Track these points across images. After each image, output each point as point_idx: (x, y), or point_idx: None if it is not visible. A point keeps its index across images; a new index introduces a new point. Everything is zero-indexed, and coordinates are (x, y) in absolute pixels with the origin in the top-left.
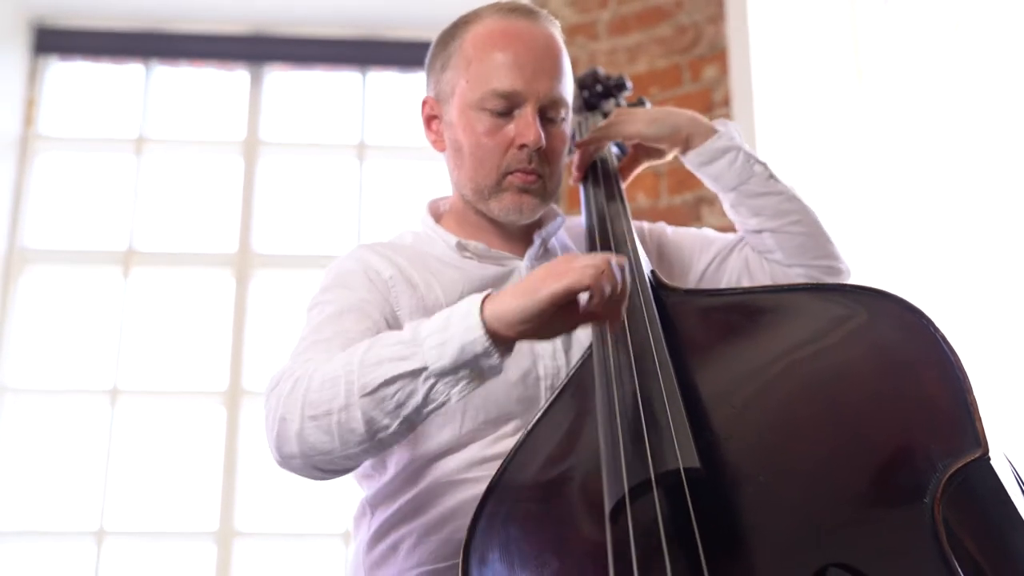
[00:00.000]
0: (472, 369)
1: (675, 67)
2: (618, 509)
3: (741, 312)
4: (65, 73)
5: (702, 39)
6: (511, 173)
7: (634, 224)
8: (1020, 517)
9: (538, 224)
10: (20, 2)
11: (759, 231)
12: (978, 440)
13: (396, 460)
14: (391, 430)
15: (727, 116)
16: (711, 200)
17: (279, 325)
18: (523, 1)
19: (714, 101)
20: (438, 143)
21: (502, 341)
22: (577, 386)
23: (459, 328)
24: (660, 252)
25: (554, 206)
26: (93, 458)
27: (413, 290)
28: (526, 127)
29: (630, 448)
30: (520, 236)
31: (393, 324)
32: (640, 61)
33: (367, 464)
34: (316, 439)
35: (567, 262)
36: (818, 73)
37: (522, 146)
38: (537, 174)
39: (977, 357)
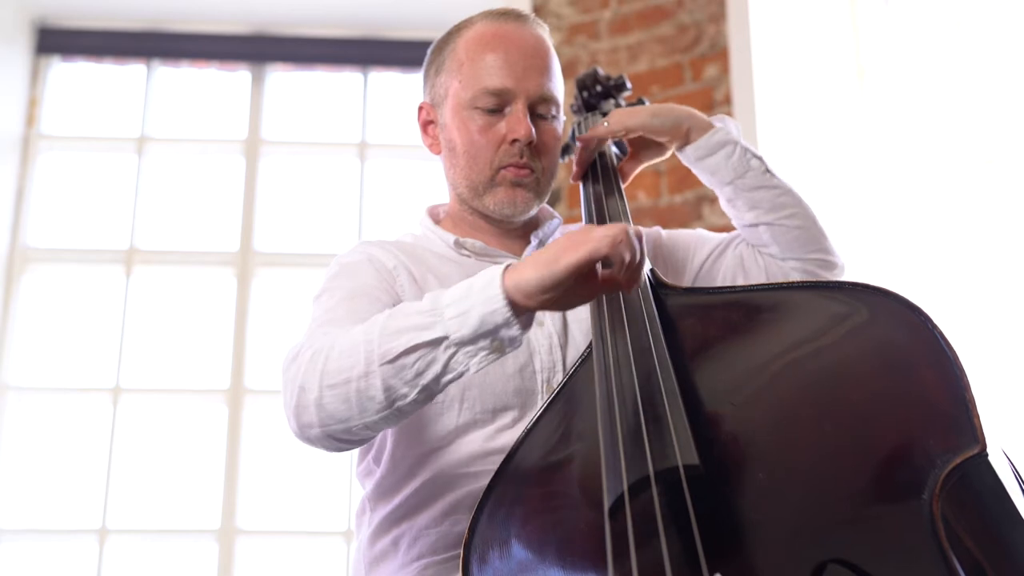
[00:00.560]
0: (493, 339)
1: (676, 66)
2: (617, 506)
3: (740, 310)
4: (67, 73)
5: (703, 38)
6: (504, 168)
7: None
8: (1019, 514)
9: (535, 224)
10: (22, 2)
11: (755, 225)
12: (976, 437)
13: (395, 456)
14: (410, 398)
15: (728, 115)
16: (712, 198)
17: (281, 324)
18: (514, 7)
19: (715, 100)
20: (434, 147)
21: (522, 311)
22: (577, 384)
23: (480, 298)
24: (656, 254)
25: (549, 208)
26: (95, 456)
27: (414, 283)
28: (517, 122)
29: (629, 445)
30: (517, 236)
31: None
32: (641, 60)
33: (368, 460)
34: (334, 407)
35: (585, 232)
36: (819, 72)
37: (513, 141)
38: (529, 168)
39: (976, 355)
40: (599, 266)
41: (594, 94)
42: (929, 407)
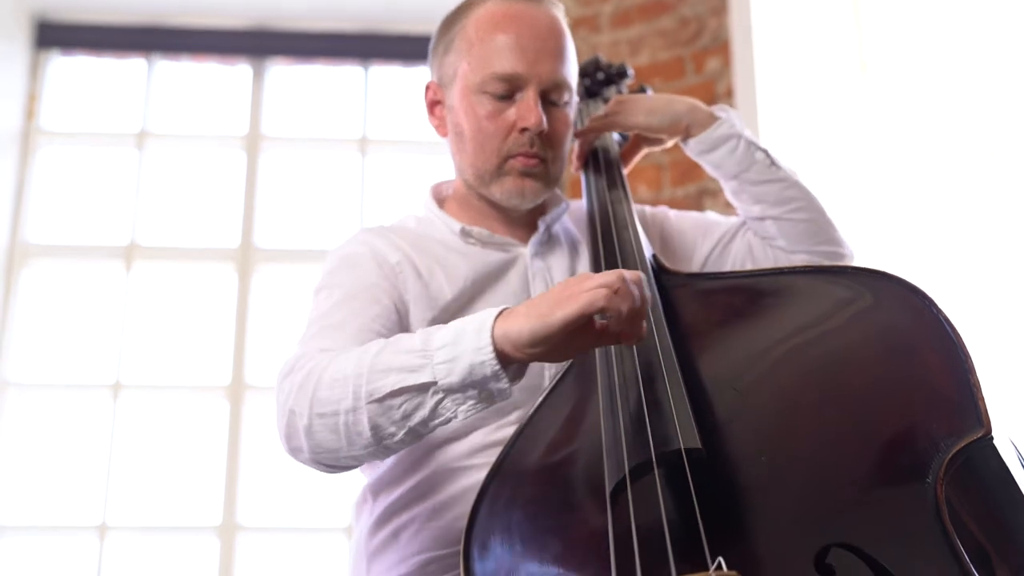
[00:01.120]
0: (480, 391)
1: (678, 59)
2: (619, 490)
3: (743, 295)
4: (67, 67)
5: (705, 31)
6: (513, 157)
7: (636, 208)
8: (1023, 497)
9: (542, 210)
10: None
11: (761, 218)
12: (980, 420)
13: None
14: (397, 438)
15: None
16: (714, 192)
17: (281, 320)
18: None
19: (717, 93)
20: (441, 128)
21: (512, 362)
22: (579, 370)
23: (470, 346)
24: (663, 237)
25: (559, 192)
26: (95, 453)
27: (418, 277)
28: (528, 110)
29: (631, 430)
30: (524, 222)
31: (402, 309)
32: (642, 54)
33: None
34: (323, 437)
35: (579, 283)
36: (821, 65)
37: (523, 129)
38: (539, 158)
39: (980, 345)
40: (597, 316)
41: (596, 81)
42: (933, 390)
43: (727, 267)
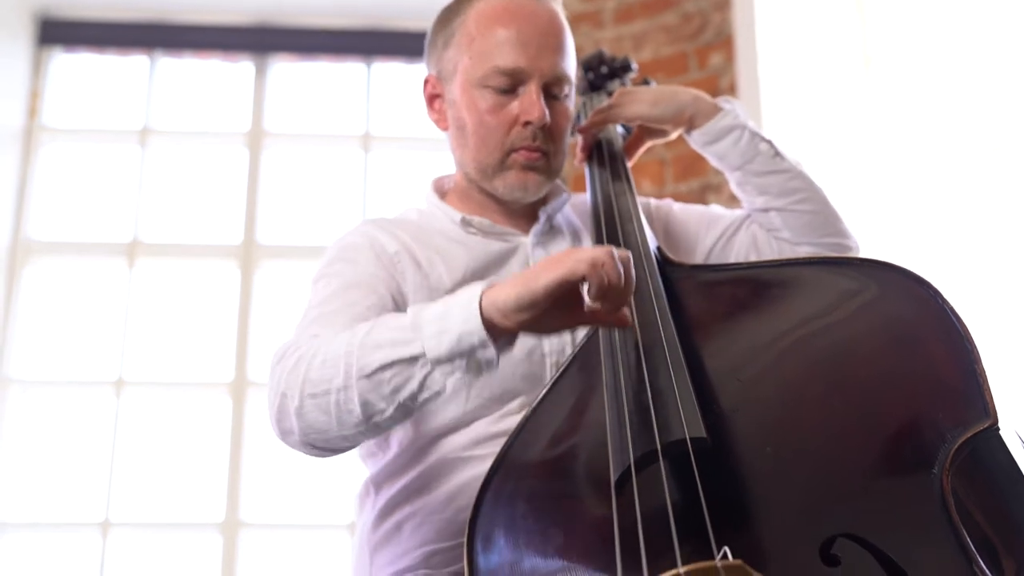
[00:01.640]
0: (468, 360)
1: (681, 55)
2: (623, 480)
3: (748, 286)
4: (69, 64)
5: (708, 26)
6: (515, 151)
7: (640, 200)
8: None
9: (543, 201)
10: None
11: (766, 210)
12: (987, 410)
13: (400, 438)
14: (386, 414)
15: None
16: (717, 187)
17: (284, 316)
18: None
19: (720, 89)
20: (441, 122)
21: (501, 332)
22: (582, 361)
23: (458, 317)
24: (667, 229)
25: (560, 183)
26: (98, 449)
27: (417, 267)
28: (530, 104)
29: (636, 420)
30: (525, 213)
31: (399, 300)
32: (646, 49)
33: (371, 442)
34: (314, 417)
35: (568, 253)
36: (825, 60)
37: (526, 123)
38: (542, 151)
39: (986, 337)
40: (585, 295)
41: (599, 75)
42: (939, 381)
43: (731, 260)
